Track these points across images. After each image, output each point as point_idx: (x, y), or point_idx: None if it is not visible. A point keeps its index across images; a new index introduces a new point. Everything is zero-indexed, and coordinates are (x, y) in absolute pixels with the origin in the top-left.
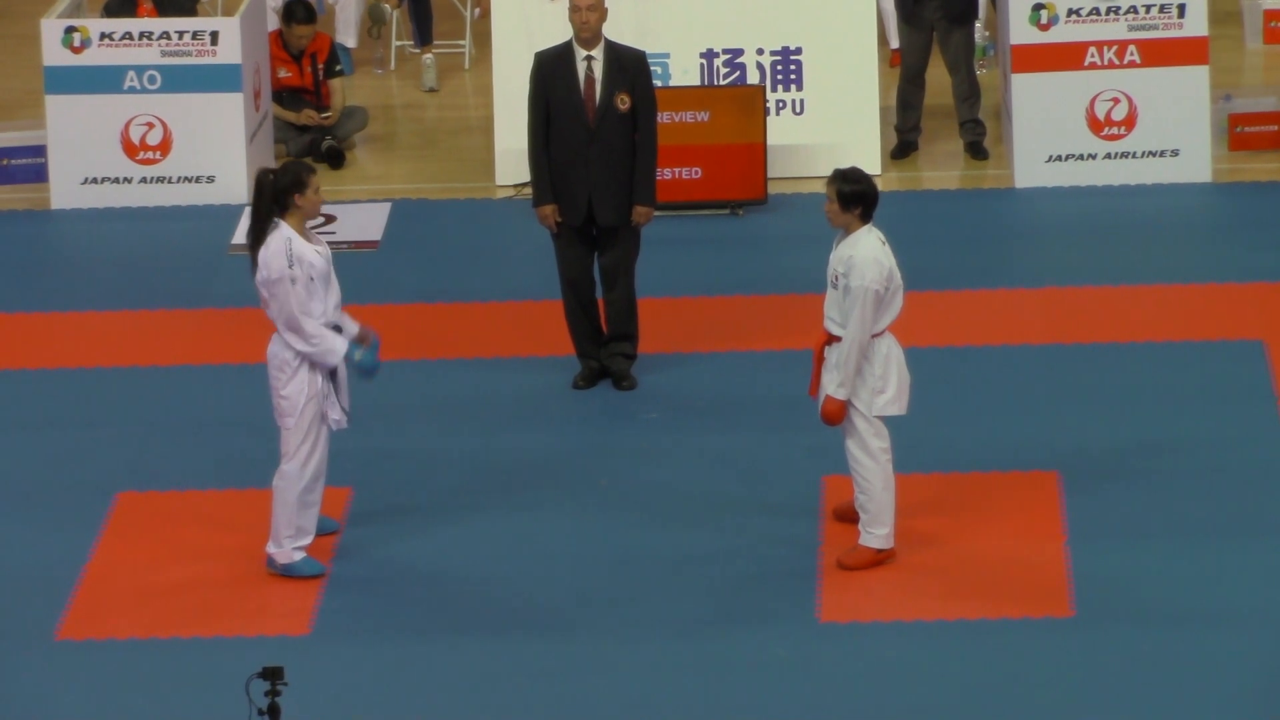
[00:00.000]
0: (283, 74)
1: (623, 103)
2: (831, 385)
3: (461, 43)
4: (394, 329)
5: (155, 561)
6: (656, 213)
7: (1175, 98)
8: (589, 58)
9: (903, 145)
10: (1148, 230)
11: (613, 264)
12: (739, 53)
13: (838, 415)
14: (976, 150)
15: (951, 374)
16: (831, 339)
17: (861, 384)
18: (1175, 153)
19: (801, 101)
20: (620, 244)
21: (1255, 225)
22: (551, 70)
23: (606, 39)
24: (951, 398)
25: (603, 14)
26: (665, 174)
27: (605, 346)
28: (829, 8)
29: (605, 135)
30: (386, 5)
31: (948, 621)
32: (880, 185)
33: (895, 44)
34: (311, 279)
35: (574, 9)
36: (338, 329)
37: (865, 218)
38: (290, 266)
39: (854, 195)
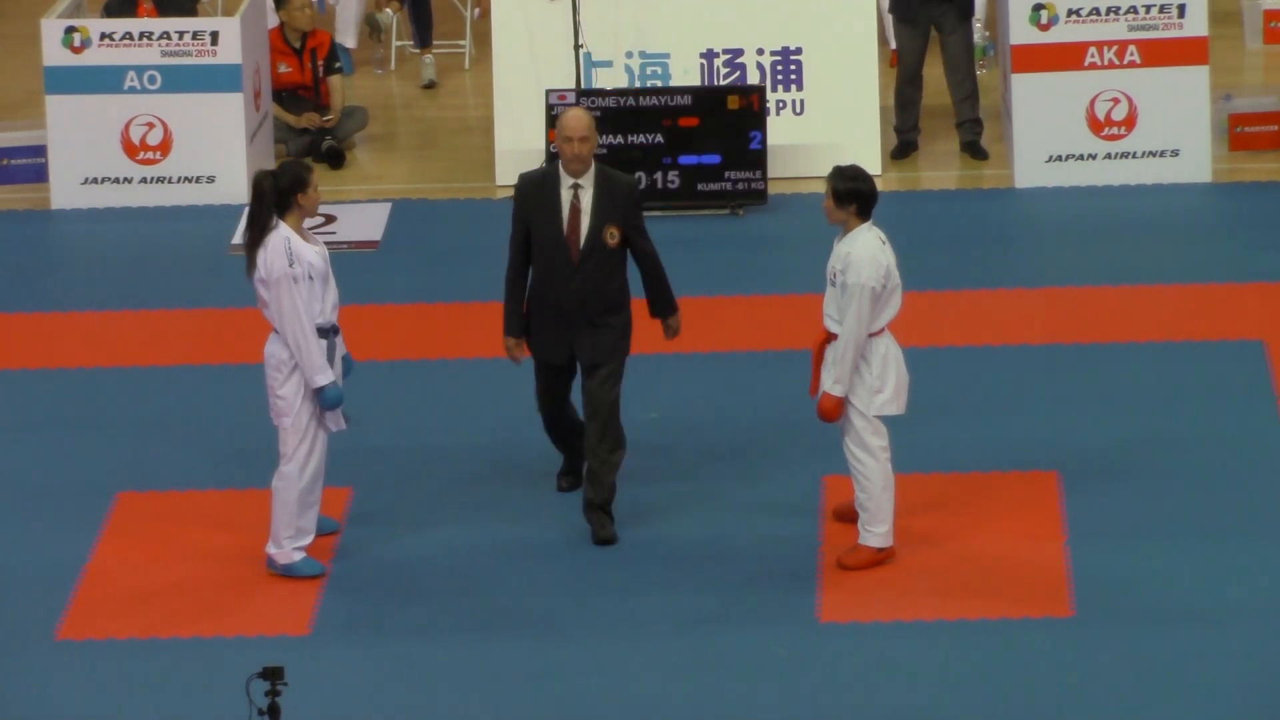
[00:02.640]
0: (283, 69)
1: (611, 237)
2: (828, 382)
3: (461, 43)
4: (394, 329)
5: (155, 561)
6: (657, 212)
7: (1175, 98)
8: (576, 185)
9: (903, 145)
10: (1148, 230)
11: (596, 400)
12: (739, 53)
13: (834, 412)
14: (975, 150)
15: (951, 374)
16: (831, 337)
17: (859, 382)
18: (1175, 153)
19: (801, 101)
20: (601, 380)
21: (1255, 225)
22: (535, 196)
23: (596, 163)
24: (951, 398)
25: (594, 143)
26: (667, 174)
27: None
28: (829, 8)
29: (590, 272)
30: (387, 11)
31: (948, 621)
32: (880, 185)
33: (895, 44)
34: (311, 278)
35: (565, 139)
36: (336, 330)
37: (862, 215)
38: (291, 265)
39: (849, 192)
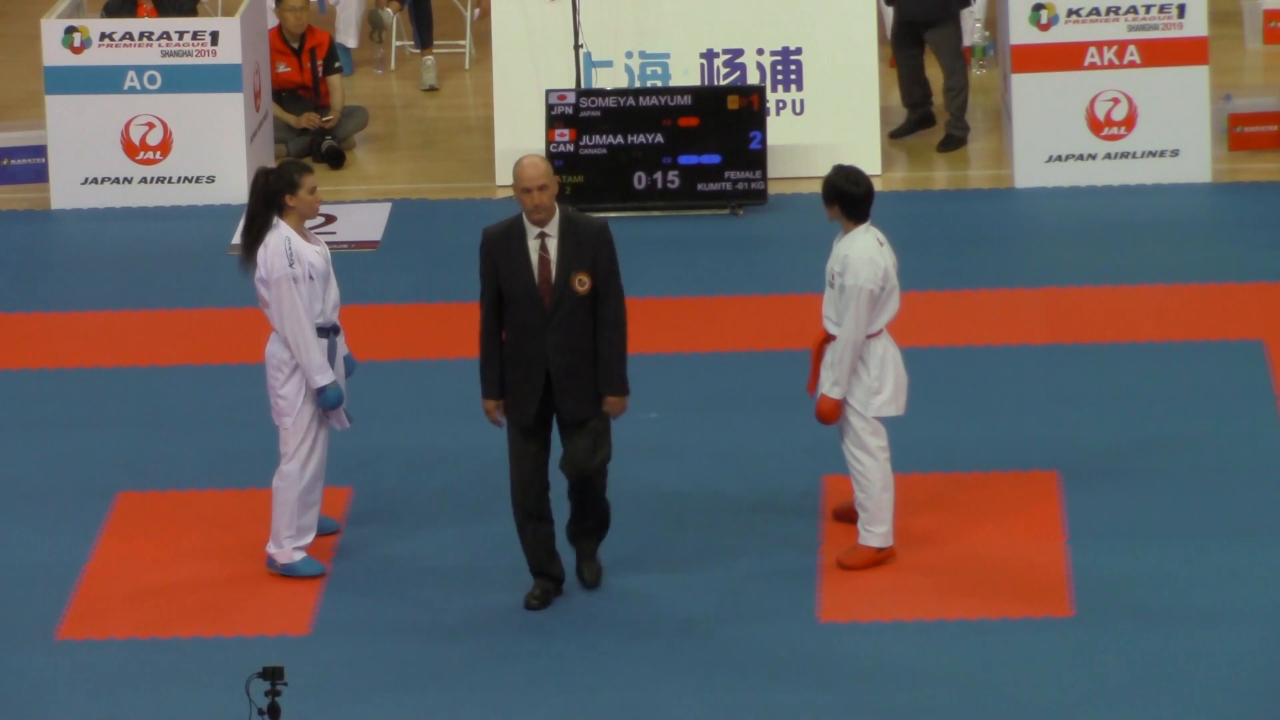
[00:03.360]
0: (282, 69)
1: (581, 284)
2: (826, 384)
3: (461, 43)
4: (394, 329)
5: (155, 561)
6: (657, 212)
7: (1175, 98)
8: (542, 235)
9: (910, 122)
10: (1148, 230)
11: (581, 469)
12: (739, 53)
13: (832, 414)
14: (949, 143)
15: (951, 374)
16: (829, 338)
17: (857, 383)
18: (1175, 153)
19: (801, 101)
20: (587, 439)
21: (1255, 225)
22: (501, 251)
23: (562, 209)
24: (951, 398)
25: (554, 190)
26: (668, 173)
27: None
28: (829, 8)
29: (562, 323)
30: (388, 10)
31: (948, 621)
32: (880, 185)
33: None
34: (311, 278)
35: (524, 190)
36: (337, 330)
37: (850, 217)
38: (291, 265)
39: (830, 191)
